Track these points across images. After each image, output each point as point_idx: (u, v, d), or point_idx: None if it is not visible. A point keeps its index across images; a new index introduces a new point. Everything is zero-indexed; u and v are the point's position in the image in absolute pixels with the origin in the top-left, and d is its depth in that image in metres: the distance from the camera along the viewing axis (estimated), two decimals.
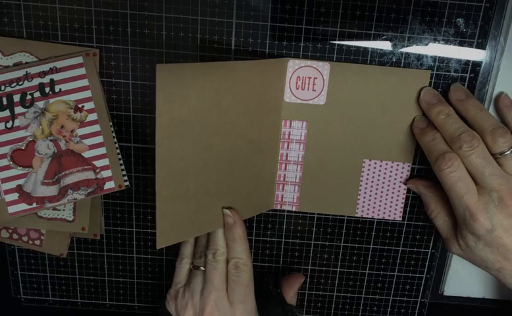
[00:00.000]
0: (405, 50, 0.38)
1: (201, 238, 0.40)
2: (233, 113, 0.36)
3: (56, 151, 0.39)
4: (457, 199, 0.36)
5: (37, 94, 0.38)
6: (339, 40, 0.38)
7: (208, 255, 0.38)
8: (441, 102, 0.38)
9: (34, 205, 0.40)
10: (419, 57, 0.38)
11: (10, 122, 0.39)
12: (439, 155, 0.36)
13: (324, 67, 0.38)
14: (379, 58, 0.38)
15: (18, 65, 0.38)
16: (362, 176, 0.41)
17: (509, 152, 0.35)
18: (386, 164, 0.41)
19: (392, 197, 0.42)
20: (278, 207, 0.42)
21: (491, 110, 0.40)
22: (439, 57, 0.38)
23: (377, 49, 0.38)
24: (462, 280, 0.45)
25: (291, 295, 0.42)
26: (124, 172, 0.41)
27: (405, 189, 0.42)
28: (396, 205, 0.42)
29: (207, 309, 0.38)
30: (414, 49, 0.38)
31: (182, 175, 0.35)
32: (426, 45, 0.38)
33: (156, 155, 0.33)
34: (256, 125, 0.38)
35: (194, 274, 0.39)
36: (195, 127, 0.34)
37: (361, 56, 0.38)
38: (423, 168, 0.41)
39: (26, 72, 0.38)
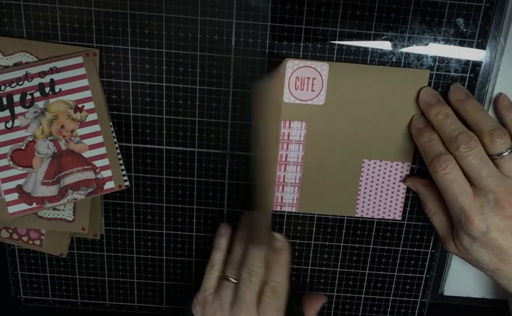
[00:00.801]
0: (405, 50, 0.38)
1: (236, 250, 0.40)
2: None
3: (56, 151, 0.39)
4: (452, 200, 0.36)
5: (37, 94, 0.38)
6: (339, 40, 0.38)
7: (244, 273, 0.38)
8: (440, 102, 0.38)
9: (34, 205, 0.40)
10: (419, 57, 0.38)
11: (10, 122, 0.39)
12: (434, 157, 0.36)
13: (323, 67, 0.38)
14: (379, 58, 0.38)
15: (18, 65, 0.38)
16: (361, 176, 0.41)
17: (506, 153, 0.35)
18: (386, 163, 0.41)
19: (392, 197, 0.42)
20: (278, 209, 0.43)
21: (491, 111, 0.40)
22: (439, 57, 0.38)
23: (377, 49, 0.38)
24: (462, 280, 0.45)
25: (311, 314, 0.43)
26: (124, 172, 0.41)
27: (404, 188, 0.42)
28: (396, 204, 0.42)
29: None
30: (414, 49, 0.38)
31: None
32: (426, 45, 0.38)
33: None
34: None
35: (224, 285, 0.39)
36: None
37: (361, 56, 0.38)
38: (423, 169, 0.41)
39: (26, 72, 0.38)
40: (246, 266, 0.38)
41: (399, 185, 0.42)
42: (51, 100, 0.38)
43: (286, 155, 0.41)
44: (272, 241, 0.40)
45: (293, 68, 0.38)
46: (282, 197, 0.42)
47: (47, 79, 0.38)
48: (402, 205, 0.42)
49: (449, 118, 0.36)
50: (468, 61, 0.39)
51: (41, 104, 0.38)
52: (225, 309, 0.38)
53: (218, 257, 0.40)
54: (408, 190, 0.42)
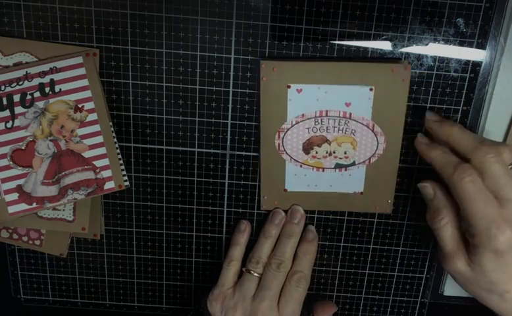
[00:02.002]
0: (405, 50, 0.38)
1: (262, 245, 0.41)
2: None
3: (56, 151, 0.39)
4: (478, 210, 0.33)
5: (37, 94, 0.38)
6: (339, 40, 0.38)
7: (273, 264, 0.39)
8: (447, 119, 0.38)
9: (34, 205, 0.40)
10: (419, 57, 0.38)
11: (10, 122, 0.39)
12: (457, 165, 0.34)
13: None
14: (379, 58, 0.38)
15: (18, 65, 0.38)
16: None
17: None
18: None
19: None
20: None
21: (491, 111, 0.40)
22: (439, 57, 0.38)
23: (377, 49, 0.38)
24: None
25: None
26: (124, 172, 0.41)
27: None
28: None
29: None
30: (414, 49, 0.38)
31: None
32: (426, 45, 0.38)
33: None
34: None
35: (247, 278, 0.40)
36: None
37: (361, 56, 0.38)
38: (424, 168, 0.41)
39: (26, 72, 0.38)
40: (276, 255, 0.40)
41: None
42: (51, 100, 0.38)
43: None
44: (305, 231, 0.42)
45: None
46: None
47: (47, 79, 0.38)
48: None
49: (464, 130, 0.36)
50: (468, 61, 0.39)
51: (41, 104, 0.38)
52: (246, 302, 0.39)
53: (236, 252, 0.42)
54: (408, 190, 0.42)
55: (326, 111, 0.39)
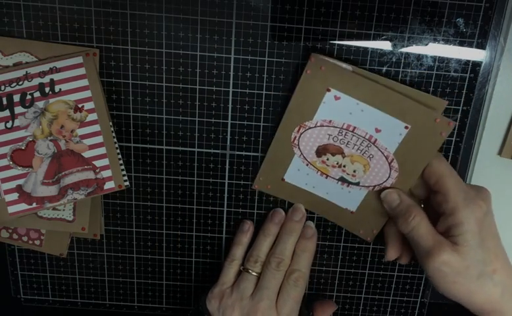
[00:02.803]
0: (405, 50, 0.38)
1: (261, 243, 0.41)
2: None
3: (56, 151, 0.39)
4: (458, 182, 0.36)
5: (37, 94, 0.38)
6: (339, 40, 0.38)
7: (272, 262, 0.39)
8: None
9: (34, 205, 0.40)
10: (419, 57, 0.38)
11: (10, 122, 0.39)
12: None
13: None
14: (379, 58, 0.38)
15: (18, 65, 0.38)
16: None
17: None
18: None
19: None
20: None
21: (491, 111, 0.40)
22: (439, 57, 0.38)
23: (377, 49, 0.38)
24: None
25: None
26: (124, 172, 0.41)
27: None
28: None
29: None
30: (414, 49, 0.38)
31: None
32: (426, 45, 0.38)
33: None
34: None
35: (245, 278, 0.40)
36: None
37: (361, 56, 0.38)
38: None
39: (26, 72, 0.38)
40: (276, 253, 0.40)
41: None
42: (51, 100, 0.38)
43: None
44: (304, 227, 0.42)
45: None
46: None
47: (46, 79, 0.38)
48: None
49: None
50: (468, 61, 0.39)
51: (41, 104, 0.38)
52: (244, 300, 0.39)
53: (238, 252, 0.42)
54: None
55: (354, 127, 0.38)
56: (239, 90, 0.40)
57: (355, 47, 0.38)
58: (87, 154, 0.40)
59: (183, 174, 0.42)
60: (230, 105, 0.40)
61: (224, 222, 0.44)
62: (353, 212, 0.42)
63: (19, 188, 0.40)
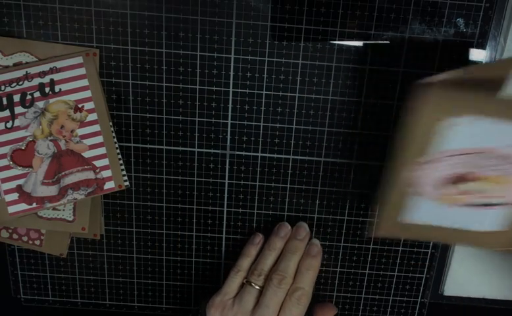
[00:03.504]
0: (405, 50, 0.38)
1: (266, 257, 0.41)
2: None
3: (56, 151, 0.39)
4: None
5: (37, 94, 0.38)
6: (339, 40, 0.38)
7: (274, 279, 0.39)
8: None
9: (34, 205, 0.40)
10: None
11: (10, 122, 0.39)
12: None
13: None
14: (379, 58, 0.38)
15: (18, 65, 0.38)
16: None
17: None
18: None
19: None
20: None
21: None
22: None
23: (377, 49, 0.38)
24: (462, 280, 0.45)
25: None
26: (124, 172, 0.41)
27: None
28: None
29: None
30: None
31: None
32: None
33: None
34: None
35: (247, 291, 0.39)
36: None
37: (361, 56, 0.38)
38: None
39: (26, 72, 0.38)
40: (278, 270, 0.39)
41: None
42: (51, 100, 0.38)
43: None
44: (309, 245, 0.42)
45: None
46: None
47: (47, 79, 0.38)
48: None
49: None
50: (468, 61, 0.39)
51: (41, 104, 0.38)
52: (245, 314, 0.38)
53: (245, 263, 0.41)
54: None
55: (484, 148, 0.33)
56: (239, 90, 0.40)
57: (355, 47, 0.38)
58: (87, 154, 0.40)
59: (183, 174, 0.42)
60: (230, 105, 0.40)
61: (224, 222, 0.44)
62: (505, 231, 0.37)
63: (19, 188, 0.40)
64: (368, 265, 0.45)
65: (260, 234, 0.42)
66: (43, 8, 0.38)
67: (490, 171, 0.34)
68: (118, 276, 0.46)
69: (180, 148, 0.41)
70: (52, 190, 0.40)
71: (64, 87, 0.38)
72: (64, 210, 0.42)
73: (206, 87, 0.40)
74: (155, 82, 0.40)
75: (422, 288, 0.46)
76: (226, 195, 0.43)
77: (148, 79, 0.39)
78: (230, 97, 0.40)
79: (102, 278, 0.46)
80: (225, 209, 0.43)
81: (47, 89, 0.38)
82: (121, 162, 0.40)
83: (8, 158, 0.39)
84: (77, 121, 0.39)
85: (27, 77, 0.38)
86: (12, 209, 0.40)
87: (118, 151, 0.40)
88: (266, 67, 0.39)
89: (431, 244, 0.44)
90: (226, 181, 0.42)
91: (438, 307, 0.47)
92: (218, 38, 0.38)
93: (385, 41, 0.38)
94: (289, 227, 0.42)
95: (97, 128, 0.39)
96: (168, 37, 0.38)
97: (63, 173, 0.40)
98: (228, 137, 0.41)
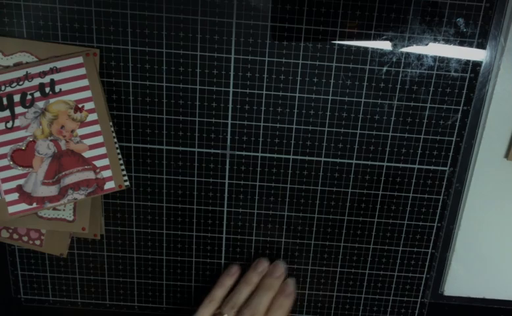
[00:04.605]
0: (405, 50, 0.38)
1: (241, 291, 0.41)
2: None
3: (56, 151, 0.39)
4: None
5: (37, 94, 0.38)
6: (339, 40, 0.38)
7: (245, 314, 0.39)
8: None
9: (34, 205, 0.40)
10: (419, 57, 0.38)
11: (11, 122, 0.39)
12: None
13: None
14: (379, 58, 0.38)
15: (18, 65, 0.38)
16: None
17: None
18: None
19: None
20: None
21: (492, 111, 0.40)
22: (439, 57, 0.38)
23: (377, 49, 0.38)
24: (462, 280, 0.45)
25: None
26: (124, 172, 0.41)
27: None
28: None
29: None
30: (414, 49, 0.38)
31: None
32: (426, 45, 0.38)
33: None
34: None
35: None
36: None
37: (361, 56, 0.38)
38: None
39: (26, 72, 0.38)
40: (251, 306, 0.40)
41: None
42: (51, 100, 0.39)
43: None
44: (284, 284, 0.42)
45: None
46: None
47: (47, 79, 0.38)
48: None
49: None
50: (468, 61, 0.39)
51: (41, 104, 0.38)
52: None
53: (219, 293, 0.42)
54: (408, 191, 0.42)
55: None
56: (239, 90, 0.40)
57: (355, 47, 0.38)
58: (87, 154, 0.40)
59: (183, 174, 0.42)
60: (230, 105, 0.40)
61: (224, 222, 0.44)
62: None
63: (19, 188, 0.40)
64: (368, 265, 0.45)
65: (236, 266, 0.43)
66: (43, 8, 0.38)
67: None
68: (118, 276, 0.46)
69: (180, 148, 0.41)
70: (52, 190, 0.40)
71: (65, 87, 0.38)
72: (64, 210, 0.42)
73: (206, 87, 0.40)
74: (155, 82, 0.40)
75: (422, 288, 0.46)
76: (226, 195, 0.43)
77: (148, 79, 0.39)
78: (230, 97, 0.40)
79: (103, 278, 0.46)
80: (225, 209, 0.43)
81: (47, 89, 0.38)
82: (121, 162, 0.40)
83: (9, 158, 0.39)
84: (77, 121, 0.39)
85: (28, 77, 0.38)
86: (12, 209, 0.40)
87: (118, 151, 0.40)
88: (266, 67, 0.39)
89: (431, 244, 0.44)
90: (226, 181, 0.42)
91: (438, 307, 0.47)
92: (218, 38, 0.38)
93: (385, 41, 0.38)
94: (267, 263, 0.43)
95: (97, 128, 0.39)
96: (168, 37, 0.38)
97: (63, 173, 0.40)
98: (228, 137, 0.41)
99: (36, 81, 0.38)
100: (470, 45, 0.38)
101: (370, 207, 0.43)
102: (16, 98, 0.38)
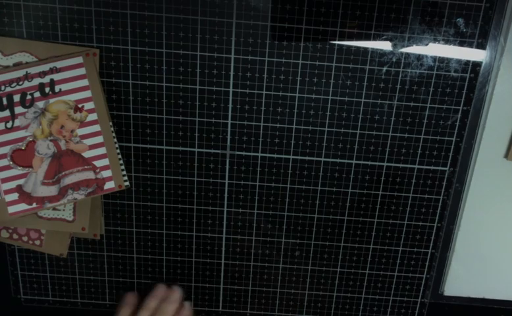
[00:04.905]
0: (405, 50, 0.38)
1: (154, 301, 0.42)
2: None
3: (56, 151, 0.39)
4: None
5: (37, 94, 0.38)
6: (339, 40, 0.38)
7: None
8: None
9: (34, 205, 0.40)
10: (419, 57, 0.38)
11: (10, 122, 0.39)
12: None
13: None
14: (379, 58, 0.38)
15: (18, 65, 0.38)
16: None
17: None
18: None
19: None
20: None
21: (492, 111, 0.40)
22: (439, 57, 0.38)
23: (377, 49, 0.38)
24: (462, 280, 0.45)
25: None
26: (124, 172, 0.41)
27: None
28: None
29: None
30: (414, 49, 0.38)
31: None
32: (426, 45, 0.38)
33: None
34: None
35: None
36: None
37: (361, 56, 0.38)
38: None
39: (26, 72, 0.38)
40: None
41: None
42: (51, 100, 0.38)
43: None
44: (181, 308, 0.43)
45: None
46: None
47: (47, 80, 0.38)
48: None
49: None
50: (468, 61, 0.39)
51: (41, 104, 0.38)
52: None
53: (131, 298, 0.43)
54: (408, 191, 0.42)
55: None
56: (239, 90, 0.40)
57: (355, 47, 0.38)
58: (87, 154, 0.40)
59: (183, 174, 0.42)
60: (230, 105, 0.40)
61: (224, 222, 0.44)
62: None
63: (19, 188, 0.40)
64: (368, 265, 0.45)
65: (133, 294, 0.44)
66: (43, 8, 0.38)
67: None
68: (118, 276, 0.46)
69: (180, 148, 0.41)
70: (52, 190, 0.40)
71: (64, 87, 0.38)
72: (64, 210, 0.42)
73: (206, 87, 0.40)
74: (155, 82, 0.40)
75: (422, 288, 0.46)
76: (226, 195, 0.43)
77: (148, 79, 0.39)
78: (230, 97, 0.40)
79: (103, 278, 0.46)
80: (225, 209, 0.43)
81: (47, 89, 0.38)
82: (121, 162, 0.40)
83: (8, 158, 0.39)
84: (77, 121, 0.39)
85: (27, 77, 0.38)
86: (12, 209, 0.40)
87: (118, 151, 0.40)
88: (266, 67, 0.39)
89: (431, 244, 0.44)
90: (226, 181, 0.42)
91: (438, 307, 0.47)
92: (218, 38, 0.38)
93: (385, 41, 0.38)
94: (165, 288, 0.43)
95: (97, 128, 0.39)
96: (168, 37, 0.38)
97: (63, 173, 0.40)
98: (228, 137, 0.41)
99: (36, 81, 0.38)
100: (470, 45, 0.38)
101: (370, 207, 0.43)
102: (16, 98, 0.38)
